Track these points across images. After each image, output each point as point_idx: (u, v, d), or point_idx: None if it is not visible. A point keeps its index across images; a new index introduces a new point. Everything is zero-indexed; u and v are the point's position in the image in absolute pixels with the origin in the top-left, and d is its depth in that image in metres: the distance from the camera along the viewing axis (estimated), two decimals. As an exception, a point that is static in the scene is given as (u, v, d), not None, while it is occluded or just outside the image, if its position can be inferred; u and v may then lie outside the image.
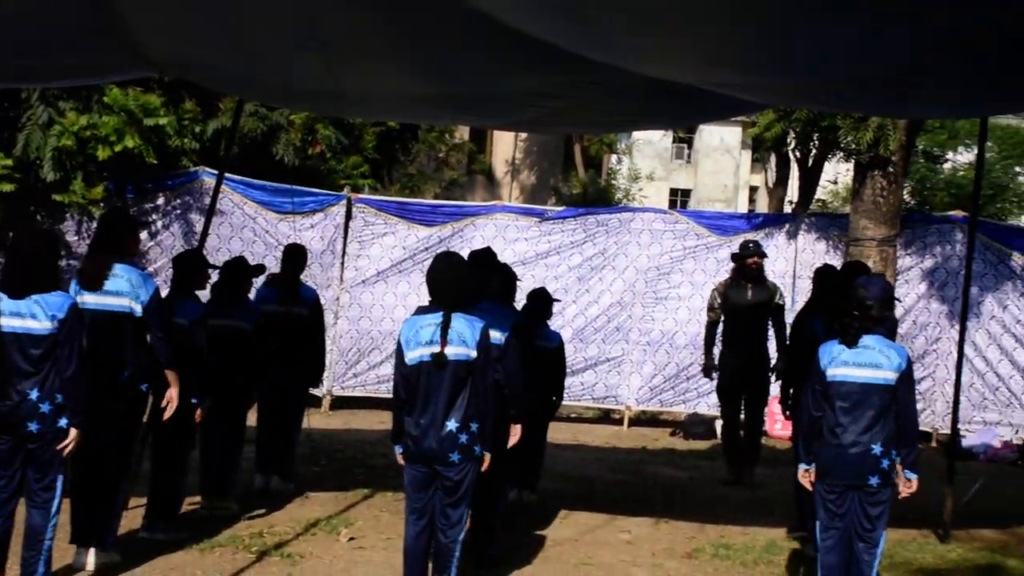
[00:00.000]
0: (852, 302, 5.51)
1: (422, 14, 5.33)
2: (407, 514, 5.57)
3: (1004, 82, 5.87)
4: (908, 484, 5.51)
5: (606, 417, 13.26)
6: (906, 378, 5.48)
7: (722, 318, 9.74)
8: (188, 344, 6.48)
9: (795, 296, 11.66)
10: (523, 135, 27.43)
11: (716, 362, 9.84)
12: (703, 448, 11.57)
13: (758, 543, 7.43)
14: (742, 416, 9.65)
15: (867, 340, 5.45)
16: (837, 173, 26.69)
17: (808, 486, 5.63)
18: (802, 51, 5.27)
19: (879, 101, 6.98)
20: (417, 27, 5.57)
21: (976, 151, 29.22)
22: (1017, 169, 29.49)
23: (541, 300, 7.98)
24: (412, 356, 5.39)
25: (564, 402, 12.11)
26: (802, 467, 5.64)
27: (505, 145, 27.87)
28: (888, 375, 5.41)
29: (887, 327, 5.88)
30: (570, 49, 5.53)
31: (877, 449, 5.39)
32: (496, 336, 5.83)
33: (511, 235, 12.78)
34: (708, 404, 12.17)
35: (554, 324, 9.23)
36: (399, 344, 5.47)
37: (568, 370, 12.01)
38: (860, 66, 5.52)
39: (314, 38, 5.69)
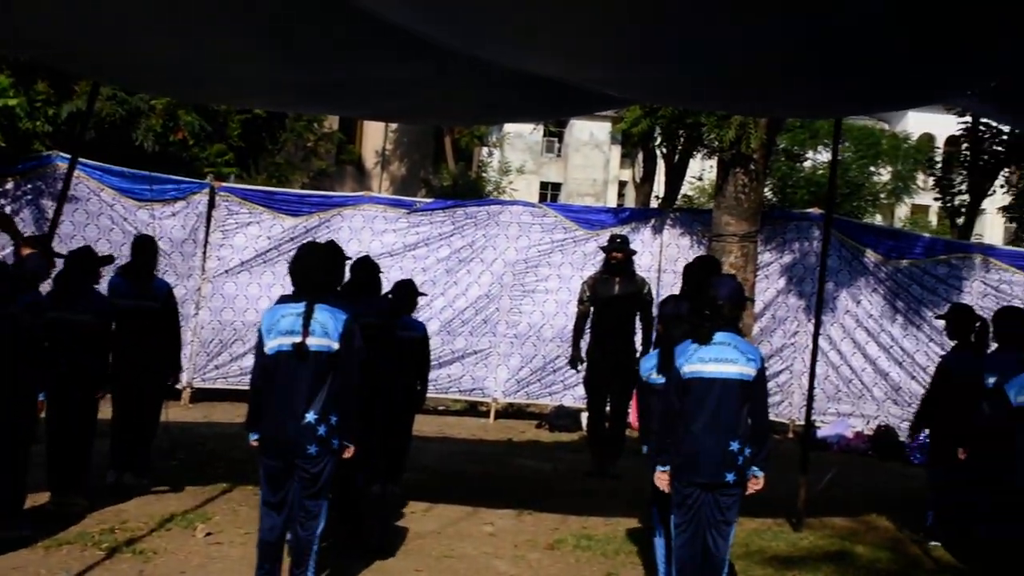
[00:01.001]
0: (704, 301, 5.61)
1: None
2: (261, 507, 5.48)
3: (853, 85, 6.06)
4: (755, 481, 5.62)
5: (473, 410, 13.26)
6: (761, 376, 5.60)
7: (591, 311, 9.85)
8: (27, 336, 6.24)
9: (659, 290, 11.86)
10: (393, 126, 27.26)
11: (583, 354, 9.95)
12: (569, 440, 11.68)
13: (620, 534, 7.54)
14: (608, 408, 9.77)
15: (722, 337, 5.53)
16: (702, 169, 27.25)
17: (665, 488, 5.65)
18: (665, 49, 5.33)
19: (739, 99, 7.13)
20: (279, 11, 5.46)
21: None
22: (872, 169, 30.61)
23: (406, 291, 7.93)
24: (271, 345, 5.31)
25: (431, 395, 12.11)
26: (659, 469, 5.66)
27: (375, 136, 27.68)
28: (745, 371, 5.50)
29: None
30: (437, 40, 5.49)
31: (735, 446, 5.47)
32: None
33: (379, 226, 12.68)
34: (574, 396, 12.29)
35: (421, 316, 9.21)
36: (259, 332, 5.38)
37: (435, 362, 12.04)
38: (721, 65, 5.63)
39: (174, 19, 5.54)
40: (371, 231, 12.57)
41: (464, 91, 6.95)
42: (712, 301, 5.58)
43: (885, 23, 4.80)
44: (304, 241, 8.04)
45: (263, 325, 5.38)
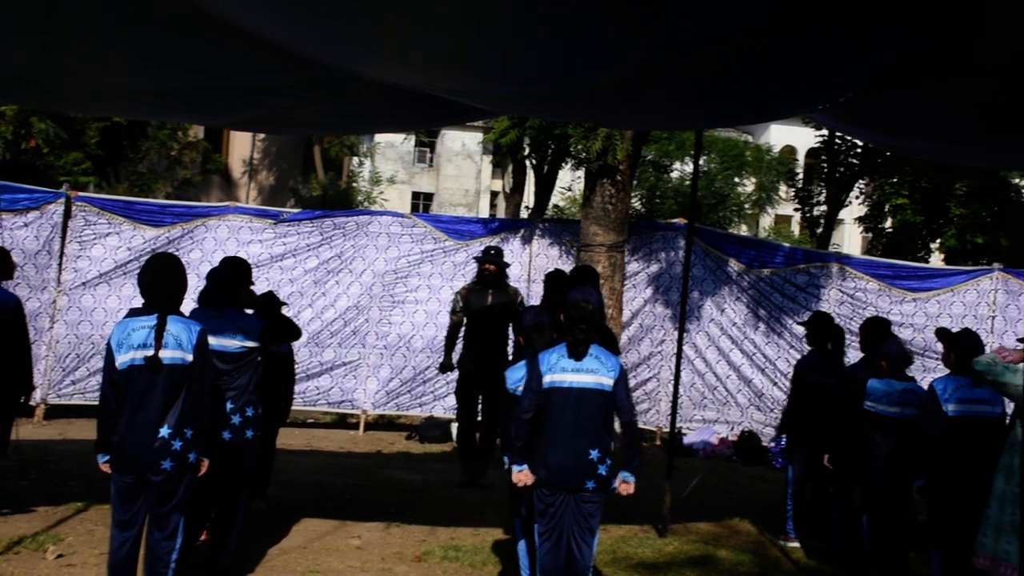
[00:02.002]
0: (577, 315, 5.66)
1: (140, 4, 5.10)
2: (113, 527, 5.32)
3: (711, 98, 6.21)
4: (626, 485, 5.70)
5: (342, 422, 13.14)
6: (622, 384, 5.68)
7: (464, 321, 9.87)
8: None
9: (530, 299, 11.93)
10: (261, 135, 26.85)
11: (455, 363, 9.95)
12: (438, 451, 11.65)
13: (488, 544, 7.55)
14: (478, 419, 9.79)
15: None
16: (572, 180, 27.55)
17: (524, 481, 5.68)
18: (525, 63, 5.37)
19: (603, 112, 7.22)
20: (137, 17, 5.32)
21: (700, 161, 30.91)
22: (737, 180, 31.38)
23: (269, 305, 7.80)
24: (123, 360, 5.16)
25: (300, 407, 11.99)
26: (516, 468, 5.70)
27: (243, 145, 27.25)
28: (604, 380, 5.59)
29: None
30: (300, 51, 5.43)
31: (594, 454, 5.55)
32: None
33: (245, 237, 12.45)
34: (444, 407, 12.29)
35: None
36: (108, 347, 5.22)
37: (303, 374, 11.93)
38: (583, 78, 5.69)
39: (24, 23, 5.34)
40: (236, 241, 12.33)
41: (329, 101, 6.88)
42: (586, 313, 5.64)
43: (740, 40, 4.93)
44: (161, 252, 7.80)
45: (113, 340, 5.22)
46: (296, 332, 7.01)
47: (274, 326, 6.66)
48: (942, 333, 6.93)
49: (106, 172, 14.98)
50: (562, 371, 5.59)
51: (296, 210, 13.70)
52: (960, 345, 6.60)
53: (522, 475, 5.66)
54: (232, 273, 6.56)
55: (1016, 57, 4.96)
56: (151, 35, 5.45)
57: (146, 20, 5.36)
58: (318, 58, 5.52)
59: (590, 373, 5.59)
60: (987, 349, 6.64)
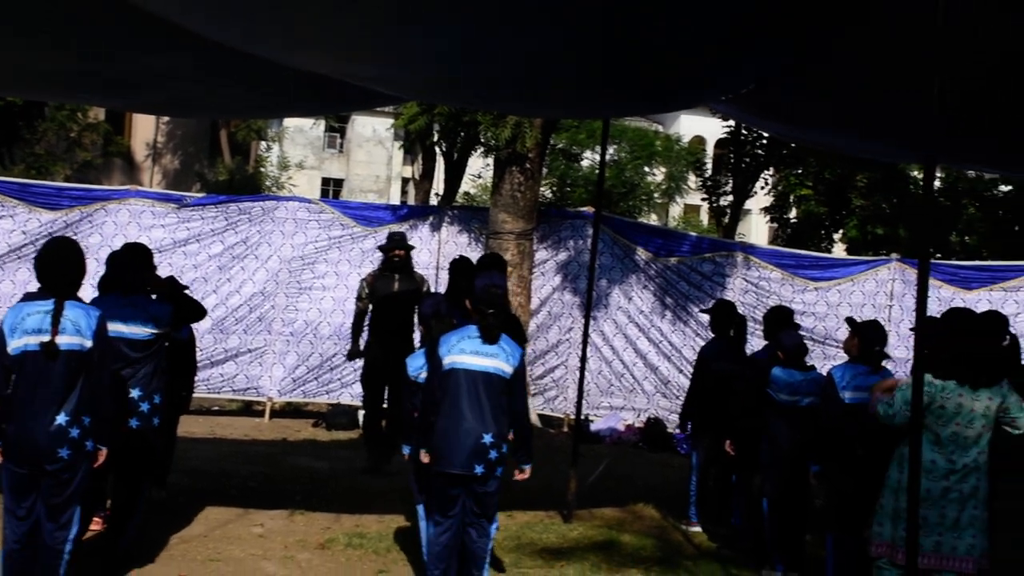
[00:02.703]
0: (487, 299, 5.68)
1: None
2: (6, 519, 5.20)
3: (619, 85, 6.28)
4: (521, 473, 5.80)
5: (247, 409, 12.99)
6: (520, 373, 5.73)
7: (370, 308, 9.83)
8: None
9: (438, 287, 11.91)
10: (165, 118, 26.33)
11: (362, 350, 9.91)
12: (345, 439, 11.58)
13: (392, 531, 7.54)
14: (385, 406, 9.76)
15: None
16: (482, 168, 27.58)
17: (425, 459, 5.75)
18: (434, 49, 5.37)
19: (510, 99, 7.26)
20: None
21: (610, 150, 31.12)
22: (647, 169, 31.69)
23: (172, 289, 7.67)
24: (16, 345, 5.03)
25: (203, 394, 11.82)
26: (406, 450, 5.87)
27: (146, 128, 26.67)
28: (504, 367, 5.64)
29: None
30: (202, 33, 5.36)
31: (487, 439, 5.60)
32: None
33: (147, 221, 12.19)
34: (352, 394, 12.21)
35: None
36: (1, 333, 5.07)
37: (207, 361, 11.78)
38: (490, 66, 5.71)
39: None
40: (138, 226, 12.08)
41: (232, 84, 6.80)
42: (496, 298, 5.67)
43: (643, 29, 5.00)
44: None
45: (5, 324, 5.08)
46: (201, 311, 6.91)
47: (181, 310, 6.56)
48: (852, 322, 7.08)
49: (0, 154, 14.52)
50: (461, 353, 5.64)
51: (201, 195, 13.50)
52: (865, 335, 6.75)
53: (426, 455, 5.73)
54: (133, 259, 6.44)
55: (898, 50, 5.11)
56: (43, 10, 5.34)
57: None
58: (223, 41, 5.46)
59: (490, 358, 5.63)
60: (884, 342, 6.83)
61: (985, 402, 5.48)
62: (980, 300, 11.47)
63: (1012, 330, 7.67)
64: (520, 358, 5.75)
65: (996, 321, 6.74)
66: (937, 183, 20.06)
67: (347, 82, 6.31)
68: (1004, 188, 19.42)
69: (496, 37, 5.02)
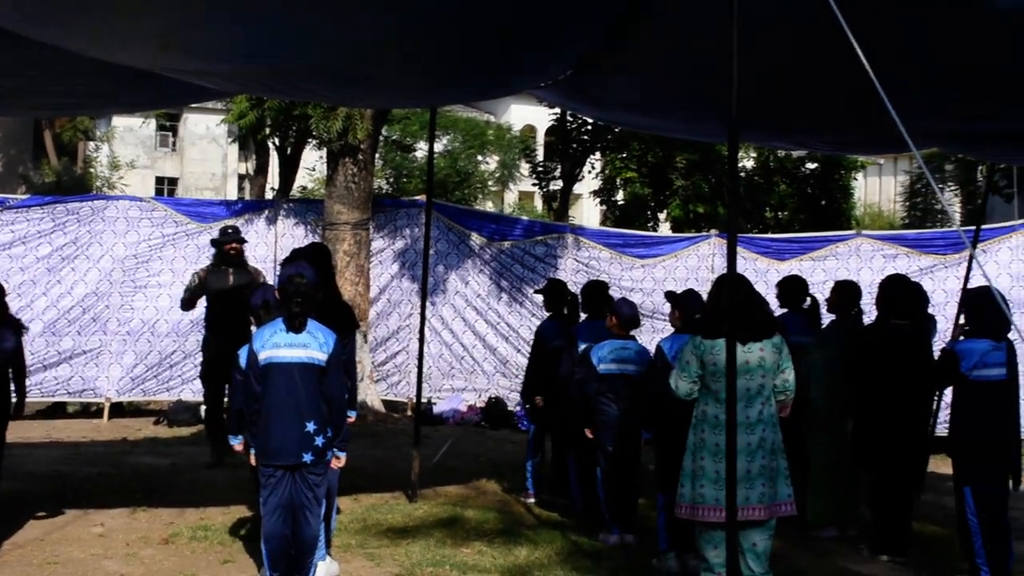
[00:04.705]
0: (292, 289, 5.65)
1: None
2: None
3: (441, 74, 6.33)
4: (337, 460, 5.83)
5: (85, 411, 12.55)
6: (334, 359, 5.73)
7: (195, 300, 9.66)
8: None
9: (276, 280, 11.74)
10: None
11: (199, 347, 9.74)
12: (188, 434, 11.34)
13: (236, 521, 7.42)
14: (226, 399, 9.59)
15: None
16: (316, 160, 27.23)
17: (252, 461, 5.74)
18: (256, 42, 5.31)
19: (334, 89, 7.21)
20: None
21: (443, 141, 31.15)
22: (480, 158, 31.92)
23: None
24: None
25: (38, 398, 11.39)
26: (236, 440, 5.79)
27: (-36, 130, 25.38)
28: (317, 355, 5.64)
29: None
30: (14, 29, 5.16)
31: (310, 427, 5.60)
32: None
33: (-31, 225, 11.68)
34: (193, 390, 11.95)
35: (24, 318, 8.58)
36: None
37: (39, 365, 11.35)
38: (311, 55, 5.68)
39: None
40: (-40, 230, 11.56)
41: (48, 80, 6.56)
42: (300, 287, 5.65)
43: (463, 20, 5.05)
44: None
45: None
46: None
47: None
48: (670, 295, 7.27)
49: None
50: (275, 347, 5.60)
51: (24, 196, 12.97)
52: (685, 305, 6.96)
53: (240, 446, 5.76)
54: None
55: (692, 36, 5.30)
56: None
57: None
58: (43, 38, 5.28)
59: (302, 348, 5.62)
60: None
61: (758, 354, 5.69)
62: (792, 270, 11.93)
63: (814, 294, 8.10)
64: (335, 344, 5.75)
65: (795, 284, 7.04)
66: (751, 162, 20.82)
67: (170, 77, 6.18)
68: (811, 166, 20.28)
69: (309, 26, 4.99)
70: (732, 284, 4.99)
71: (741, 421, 5.49)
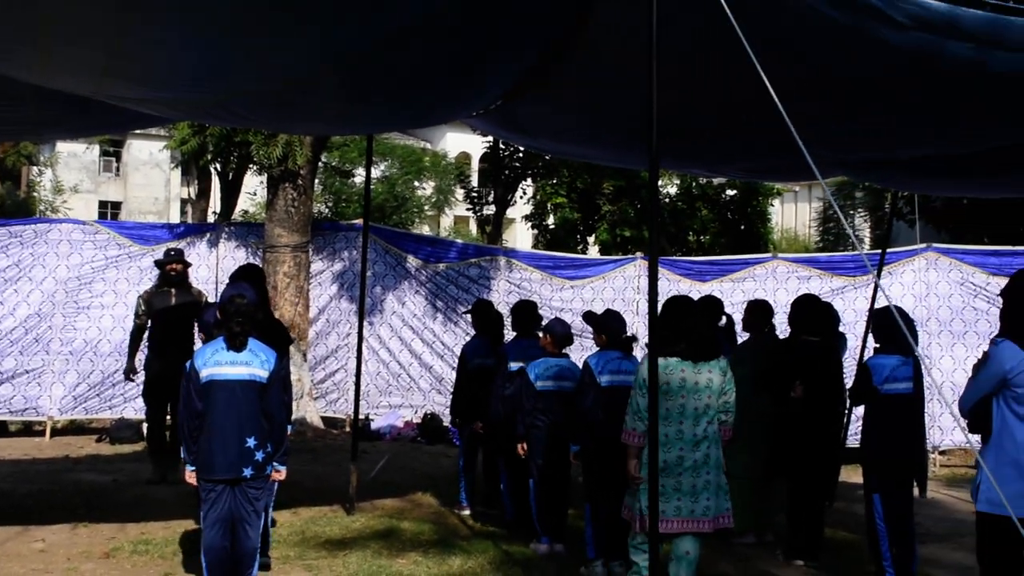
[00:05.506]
0: (232, 309, 5.65)
1: None
2: None
3: (376, 103, 6.36)
4: (278, 473, 5.85)
5: (28, 430, 12.30)
6: (274, 377, 5.75)
7: (148, 323, 9.54)
8: None
9: (218, 301, 11.65)
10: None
11: (142, 366, 9.61)
12: (130, 451, 11.17)
13: (178, 535, 7.33)
14: (167, 417, 9.49)
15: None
16: (257, 185, 27.02)
17: (191, 480, 5.74)
18: (191, 67, 5.29)
19: (271, 117, 7.20)
20: None
21: (380, 167, 31.07)
22: (417, 184, 31.92)
23: None
24: None
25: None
26: (188, 469, 5.74)
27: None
28: (258, 372, 5.66)
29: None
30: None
31: (251, 442, 5.61)
32: None
33: (-89, 248, 11.42)
34: (135, 408, 11.77)
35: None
36: None
37: (-19, 385, 11.07)
38: (250, 82, 5.68)
39: None
40: (-98, 253, 11.29)
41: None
42: (241, 308, 5.64)
43: (395, 50, 5.09)
44: None
45: None
46: None
47: None
48: (589, 316, 7.35)
49: None
50: (217, 365, 5.62)
51: (-33, 220, 12.71)
52: (607, 325, 7.04)
53: (193, 475, 5.71)
54: None
55: (615, 70, 5.41)
56: None
57: None
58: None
59: (244, 365, 5.64)
60: (631, 328, 7.16)
61: (707, 375, 5.84)
62: (712, 290, 12.10)
63: (729, 313, 8.24)
64: (275, 362, 5.77)
65: (710, 304, 7.17)
66: (674, 188, 21.09)
67: (112, 103, 6.13)
68: (731, 192, 20.60)
69: (247, 53, 4.99)
70: (653, 304, 5.07)
71: (689, 438, 5.73)
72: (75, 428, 12.57)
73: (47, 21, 4.44)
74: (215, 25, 4.51)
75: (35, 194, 30.76)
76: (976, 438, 5.05)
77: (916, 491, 6.94)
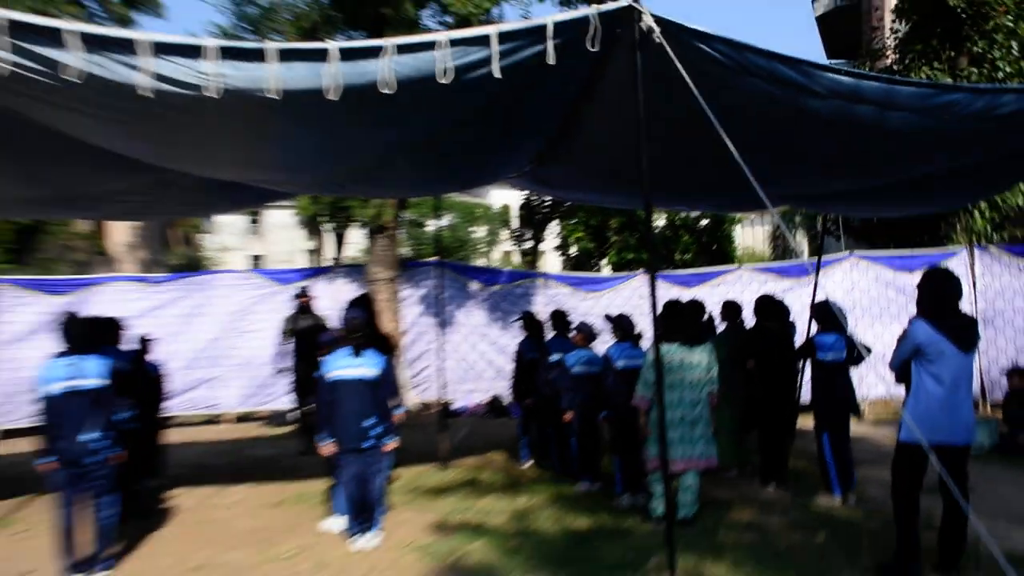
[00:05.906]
0: (350, 327, 5.80)
1: (22, 133, 4.80)
2: None
3: (438, 177, 6.48)
4: (388, 445, 5.93)
5: (210, 421, 12.51)
6: (384, 375, 5.86)
7: (292, 339, 9.79)
8: None
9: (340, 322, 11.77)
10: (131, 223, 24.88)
11: (292, 369, 9.87)
12: (284, 432, 11.25)
13: (323, 490, 7.41)
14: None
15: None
16: (359, 237, 27.23)
17: (325, 453, 5.85)
18: (312, 159, 5.42)
19: (366, 188, 7.35)
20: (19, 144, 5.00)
21: (445, 218, 30.94)
22: (472, 229, 32.01)
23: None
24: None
25: (181, 412, 11.30)
26: (323, 443, 5.83)
27: (120, 230, 25.15)
28: (369, 372, 5.78)
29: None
30: (147, 161, 5.29)
31: (367, 423, 5.74)
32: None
33: (131, 297, 11.73)
34: (287, 401, 11.86)
35: (164, 359, 8.61)
36: None
37: (181, 389, 11.21)
38: (347, 164, 5.79)
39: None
40: (124, 301, 11.58)
41: (167, 196, 6.65)
42: (355, 325, 5.80)
43: (448, 138, 5.20)
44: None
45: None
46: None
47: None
48: (607, 318, 7.38)
49: (20, 258, 13.57)
50: (339, 368, 5.73)
51: (163, 274, 13.01)
52: (620, 324, 7.10)
53: (326, 447, 5.79)
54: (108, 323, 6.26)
55: (614, 137, 5.47)
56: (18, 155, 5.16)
57: (33, 149, 5.08)
58: (168, 165, 5.40)
59: (359, 367, 5.75)
60: (638, 326, 7.18)
61: (698, 356, 5.91)
62: (697, 295, 12.03)
63: (710, 310, 8.21)
64: (384, 364, 5.88)
65: (696, 305, 7.20)
66: (663, 221, 21.03)
67: (252, 185, 6.29)
68: (704, 222, 20.49)
69: (346, 144, 5.12)
70: (662, 304, 5.15)
71: (687, 402, 5.86)
72: (244, 418, 12.76)
73: (213, 136, 4.61)
74: (326, 128, 4.66)
75: (202, 252, 31.33)
76: (900, 390, 5.05)
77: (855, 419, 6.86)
